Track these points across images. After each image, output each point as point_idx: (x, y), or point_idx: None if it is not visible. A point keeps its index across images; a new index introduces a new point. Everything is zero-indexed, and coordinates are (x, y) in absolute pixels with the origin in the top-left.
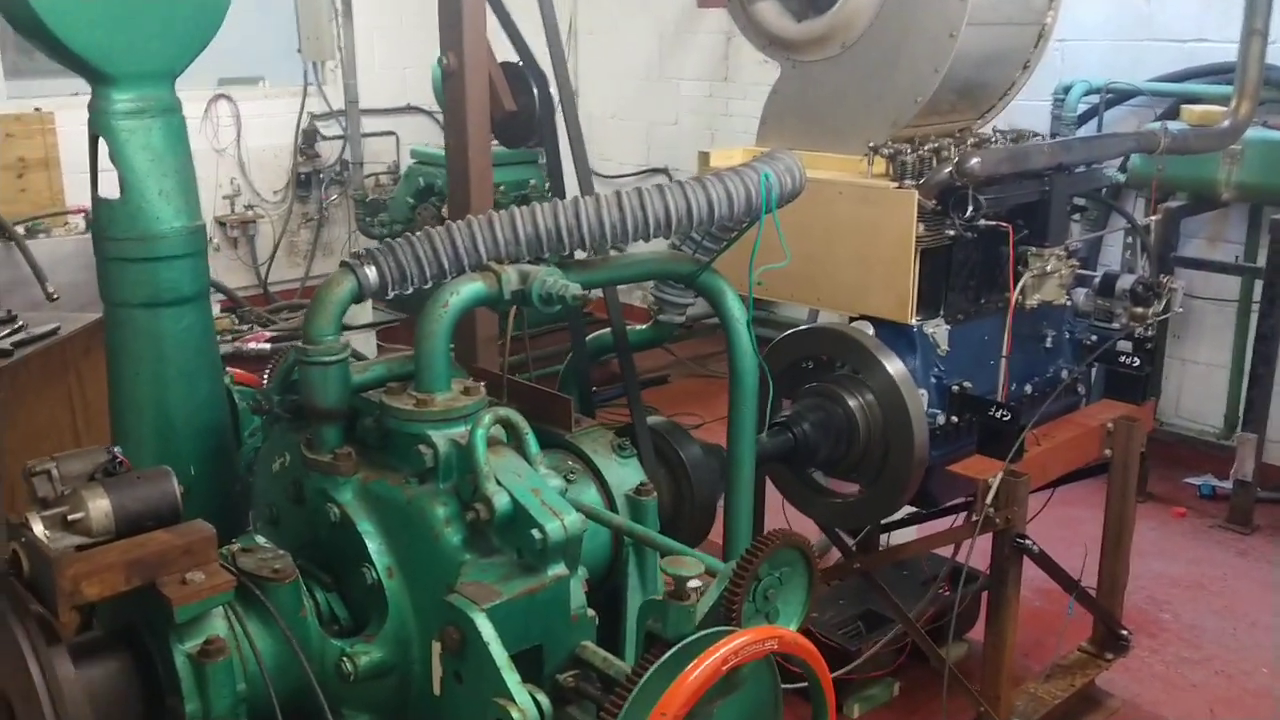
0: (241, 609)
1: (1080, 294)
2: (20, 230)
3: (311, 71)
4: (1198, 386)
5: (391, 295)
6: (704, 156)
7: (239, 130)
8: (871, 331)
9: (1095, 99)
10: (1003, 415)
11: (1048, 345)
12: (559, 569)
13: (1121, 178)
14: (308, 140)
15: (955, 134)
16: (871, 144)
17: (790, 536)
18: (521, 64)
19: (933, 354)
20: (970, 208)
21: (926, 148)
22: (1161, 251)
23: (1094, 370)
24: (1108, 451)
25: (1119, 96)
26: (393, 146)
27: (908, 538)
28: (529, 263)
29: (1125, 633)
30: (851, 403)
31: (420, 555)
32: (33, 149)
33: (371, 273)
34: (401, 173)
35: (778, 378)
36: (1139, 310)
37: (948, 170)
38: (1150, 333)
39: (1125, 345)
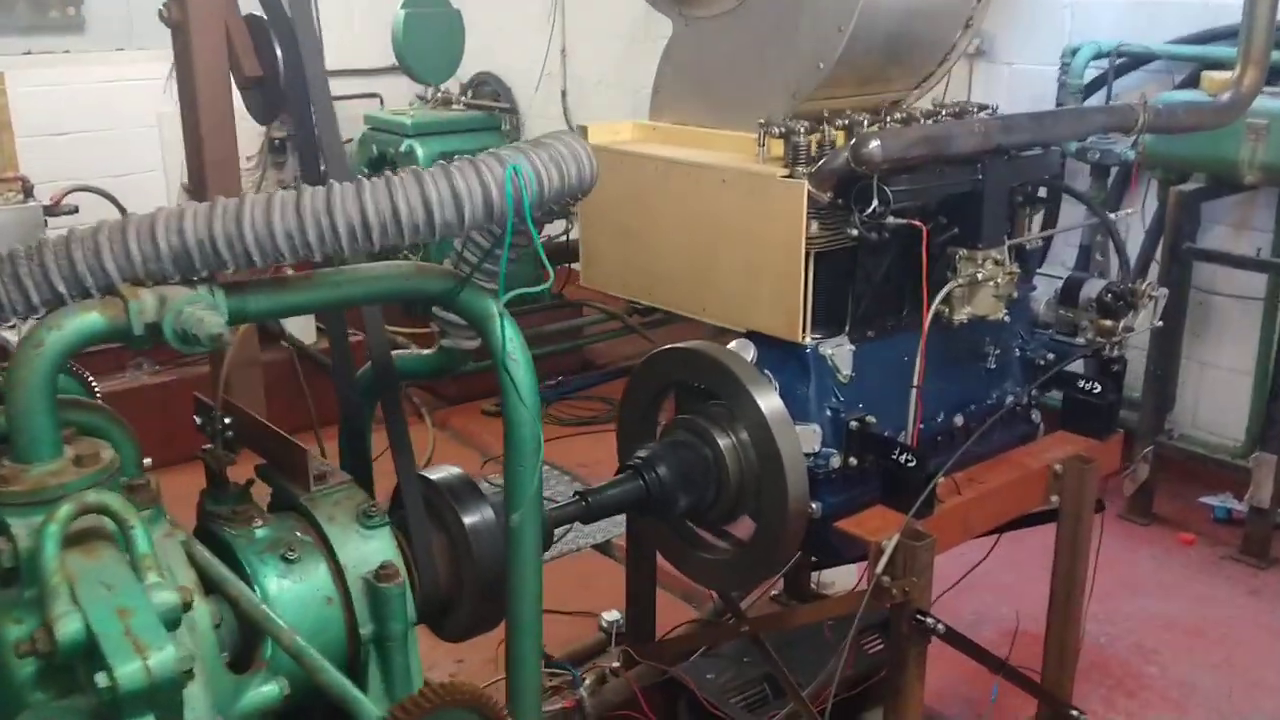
0: None
1: (1041, 301)
2: None
3: None
4: (1218, 394)
5: None
6: (582, 132)
7: None
8: (752, 353)
9: (1105, 64)
10: (907, 460)
11: (990, 366)
12: None
13: (1131, 155)
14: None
15: (883, 108)
16: (762, 120)
17: (459, 693)
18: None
19: (831, 380)
20: (875, 202)
21: (837, 124)
22: (1175, 242)
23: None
24: (1054, 498)
25: (1132, 61)
26: (376, 109)
27: (848, 577)
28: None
29: (1075, 714)
30: (723, 442)
31: None
32: None
33: None
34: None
35: (648, 407)
36: (1106, 323)
37: (844, 156)
38: (1118, 351)
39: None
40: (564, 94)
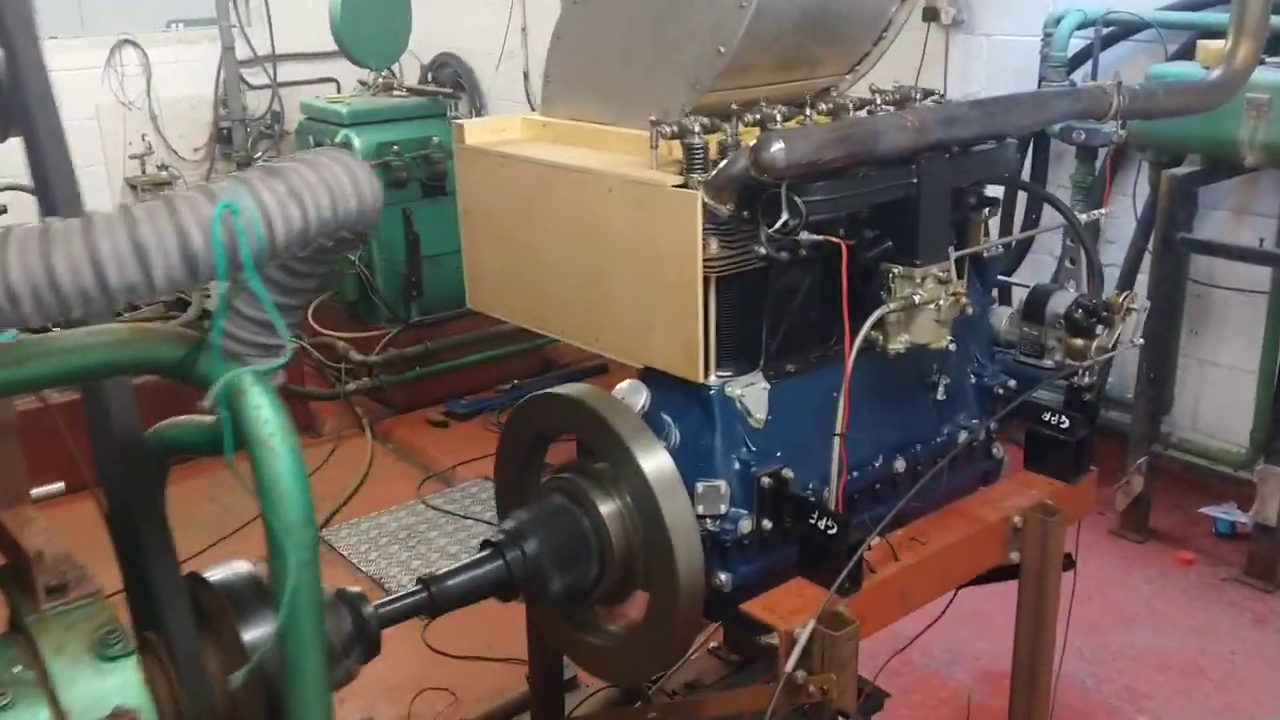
0: None
1: (1003, 315)
2: None
3: (232, 12)
4: (1219, 395)
5: None
6: (458, 131)
7: (149, 81)
8: (644, 397)
9: (1092, 34)
10: (827, 526)
11: (938, 397)
12: None
13: (1121, 135)
14: (230, 90)
15: (809, 98)
16: (654, 117)
17: None
18: None
19: (741, 426)
20: (785, 215)
21: (747, 120)
22: (1168, 232)
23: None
24: (1014, 556)
25: (1121, 30)
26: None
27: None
28: None
29: None
30: (605, 508)
31: None
32: None
33: None
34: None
35: (523, 463)
36: (1077, 343)
37: (744, 161)
38: (1091, 378)
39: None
40: (525, 75)
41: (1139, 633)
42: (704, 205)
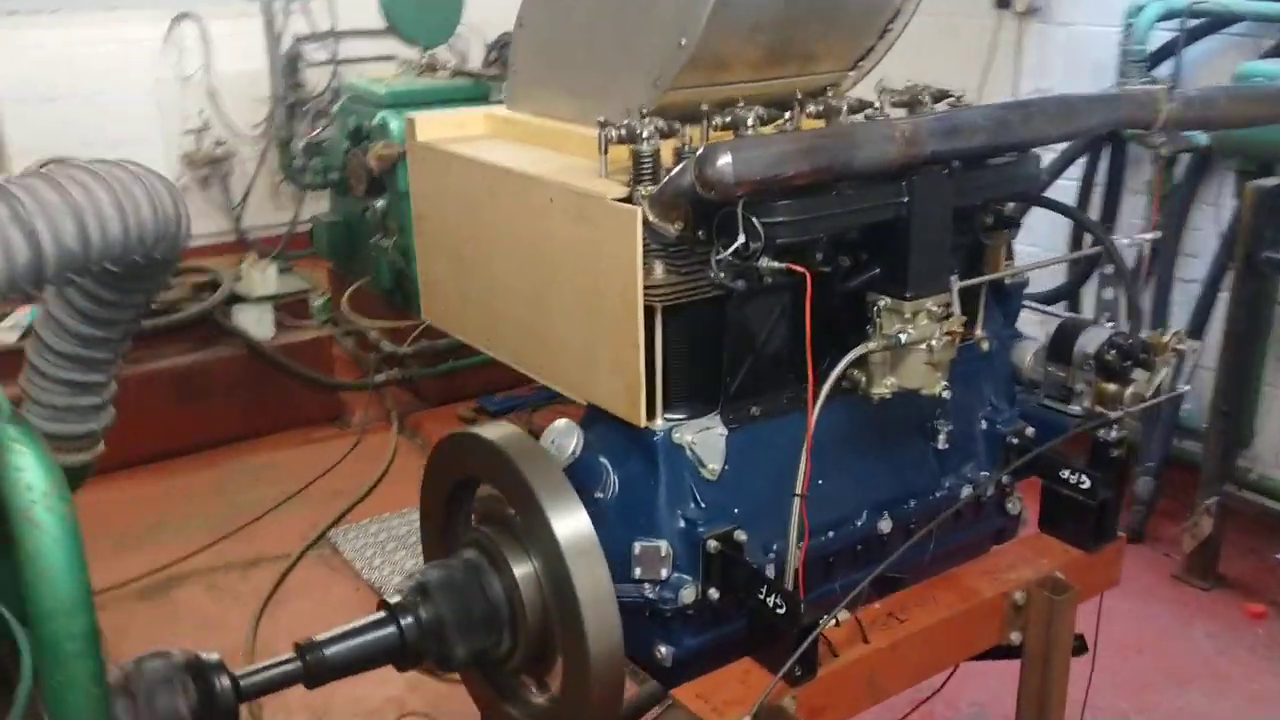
0: None
1: (1028, 351)
2: None
3: None
4: None
5: None
6: (409, 125)
7: (208, 55)
8: (575, 441)
9: (1176, 26)
10: (776, 604)
11: (940, 446)
12: None
13: (1203, 140)
14: (290, 66)
15: (797, 98)
16: (602, 119)
17: None
18: None
19: (689, 479)
20: (741, 237)
21: (716, 123)
22: (1251, 250)
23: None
24: (1014, 637)
25: (1209, 23)
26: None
27: None
28: None
29: None
30: (519, 571)
31: None
32: None
33: None
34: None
35: (446, 506)
36: (1109, 388)
37: (690, 176)
38: (1120, 433)
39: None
40: None
41: (1195, 696)
42: (648, 223)
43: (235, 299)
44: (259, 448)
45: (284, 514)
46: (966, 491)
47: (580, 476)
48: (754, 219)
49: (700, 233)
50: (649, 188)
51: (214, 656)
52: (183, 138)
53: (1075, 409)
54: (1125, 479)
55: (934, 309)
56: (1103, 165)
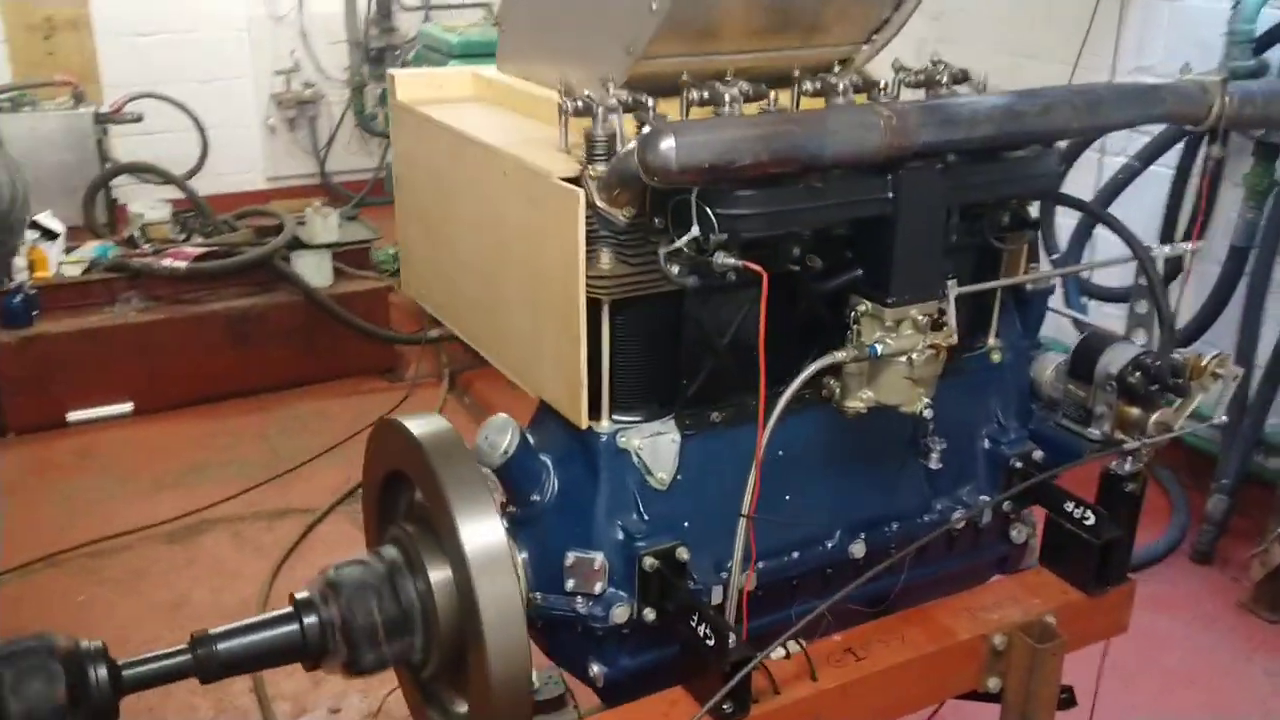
0: None
1: (1049, 365)
2: (6, 103)
3: None
4: None
5: None
6: (390, 82)
7: None
8: (509, 439)
9: None
10: (706, 634)
11: (931, 465)
12: None
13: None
14: (382, 10)
15: (796, 74)
16: (562, 87)
17: None
18: None
19: (633, 487)
20: (695, 229)
21: (694, 97)
22: None
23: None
24: (992, 684)
25: None
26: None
27: None
28: None
29: None
30: (436, 576)
31: None
32: (61, 7)
33: None
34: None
35: (380, 495)
36: (1132, 412)
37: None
38: (1140, 461)
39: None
40: None
41: None
42: (594, 207)
43: (297, 244)
44: (308, 395)
45: (321, 465)
46: (957, 515)
47: (518, 476)
48: (709, 210)
49: (657, 220)
50: (599, 168)
51: (96, 644)
52: (273, 78)
53: (1094, 433)
54: (1137, 516)
55: (920, 318)
56: (1202, 152)
